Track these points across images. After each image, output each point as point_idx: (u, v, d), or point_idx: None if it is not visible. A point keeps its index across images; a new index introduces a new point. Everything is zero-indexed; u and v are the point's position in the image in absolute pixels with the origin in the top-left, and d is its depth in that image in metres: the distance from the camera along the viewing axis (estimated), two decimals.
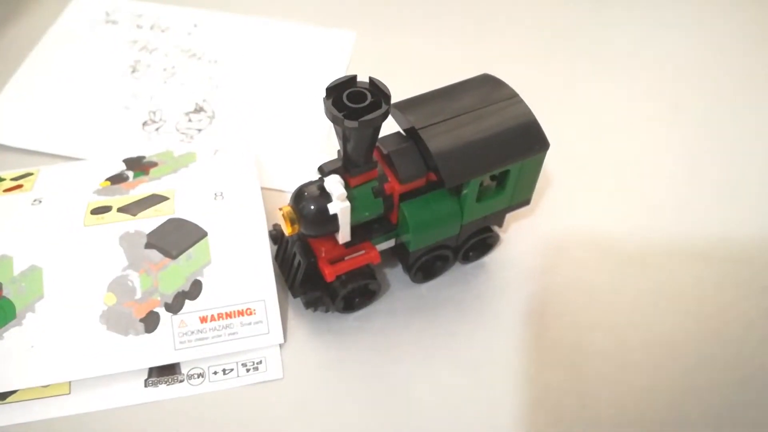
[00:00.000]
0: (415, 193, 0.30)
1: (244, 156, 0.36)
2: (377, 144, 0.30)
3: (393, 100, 0.27)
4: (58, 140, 0.39)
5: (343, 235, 0.29)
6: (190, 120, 0.41)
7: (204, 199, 0.33)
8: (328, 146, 0.39)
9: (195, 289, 0.31)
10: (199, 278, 0.31)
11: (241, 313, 0.31)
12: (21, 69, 0.43)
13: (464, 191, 0.29)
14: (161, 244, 0.31)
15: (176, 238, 0.31)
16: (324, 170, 0.28)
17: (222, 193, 0.33)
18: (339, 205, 0.27)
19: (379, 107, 0.25)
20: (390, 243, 0.32)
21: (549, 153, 0.30)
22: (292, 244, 0.31)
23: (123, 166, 0.36)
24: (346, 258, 0.30)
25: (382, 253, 0.32)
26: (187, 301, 0.30)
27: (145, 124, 0.41)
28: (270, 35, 0.47)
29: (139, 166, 0.36)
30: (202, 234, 0.32)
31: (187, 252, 0.31)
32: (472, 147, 0.28)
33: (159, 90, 0.43)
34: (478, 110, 0.30)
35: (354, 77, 0.26)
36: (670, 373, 0.31)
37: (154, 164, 0.36)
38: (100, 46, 0.45)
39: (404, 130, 0.30)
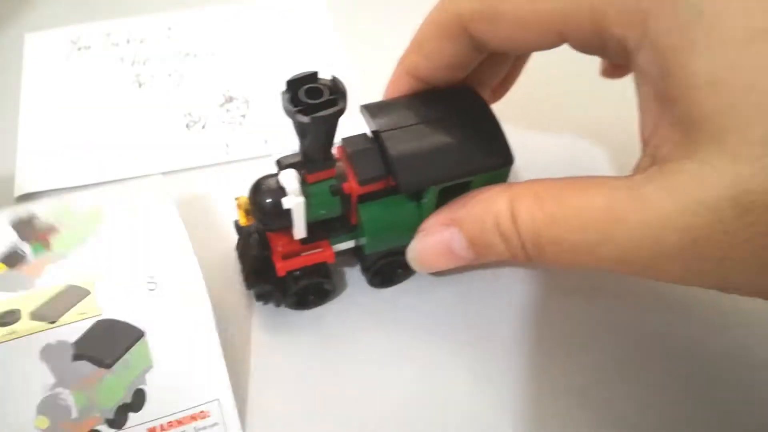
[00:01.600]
0: (377, 196, 0.30)
1: (167, 215, 0.31)
2: (343, 143, 0.30)
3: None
4: (106, 169, 0.38)
5: (298, 231, 0.29)
6: (228, 110, 0.41)
7: (135, 289, 0.28)
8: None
9: (138, 399, 0.27)
10: (141, 386, 0.28)
11: (194, 417, 0.28)
12: (21, 121, 0.41)
13: (424, 199, 0.29)
14: (92, 353, 0.27)
15: (108, 343, 0.27)
16: (281, 164, 0.28)
17: (154, 278, 0.28)
18: (293, 201, 0.27)
19: (337, 104, 0.25)
20: (350, 244, 0.32)
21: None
22: (249, 235, 0.31)
23: (13, 235, 0.30)
24: (301, 254, 0.30)
25: (346, 253, 0.32)
26: (131, 414, 0.27)
27: (188, 126, 0.41)
28: (245, 18, 0.47)
29: (33, 233, 0.30)
30: (138, 335, 0.28)
31: (123, 358, 0.27)
32: (432, 154, 0.28)
33: (177, 94, 0.42)
34: (447, 119, 0.29)
35: (315, 73, 0.26)
36: (669, 375, 0.31)
37: (53, 229, 0.31)
38: (89, 73, 0.44)
39: (371, 132, 0.30)
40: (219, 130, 0.40)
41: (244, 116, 0.41)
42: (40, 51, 0.45)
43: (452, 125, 0.29)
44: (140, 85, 0.43)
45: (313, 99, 0.25)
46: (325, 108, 0.25)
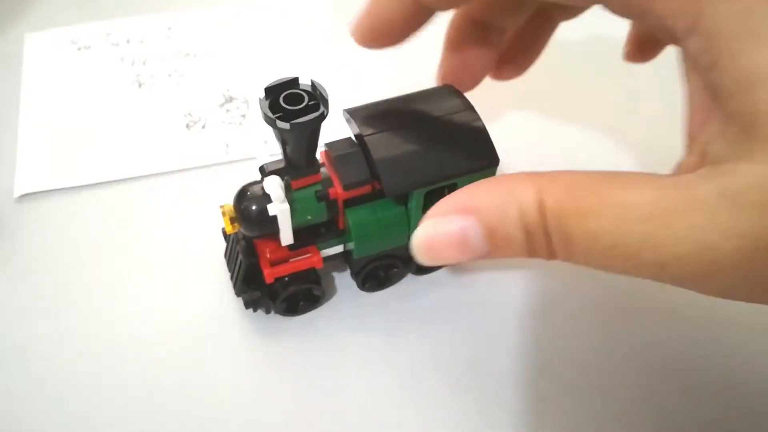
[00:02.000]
0: (364, 200, 0.30)
1: None
2: (327, 147, 0.30)
3: None
4: (106, 168, 0.38)
5: (285, 238, 0.29)
6: (228, 110, 0.41)
7: None
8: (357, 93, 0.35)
9: None
10: None
11: None
12: (21, 120, 0.41)
13: (410, 202, 0.29)
14: None
15: None
16: (265, 170, 0.28)
17: None
18: (278, 207, 0.27)
19: (317, 110, 0.25)
20: (338, 248, 0.31)
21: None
22: (237, 242, 0.30)
23: None
24: (290, 261, 0.30)
25: (335, 258, 0.32)
26: None
27: (188, 126, 0.41)
28: (245, 18, 0.48)
29: None
30: None
31: None
32: (416, 157, 0.28)
33: (177, 94, 0.43)
34: (431, 121, 0.29)
35: (296, 79, 0.26)
36: (669, 383, 0.30)
37: None
38: (89, 73, 0.44)
39: (354, 136, 0.30)
40: (219, 130, 0.41)
41: (244, 116, 0.41)
42: (40, 51, 0.45)
43: (436, 127, 0.29)
44: (140, 85, 0.43)
45: (293, 105, 0.25)
46: (305, 114, 0.25)
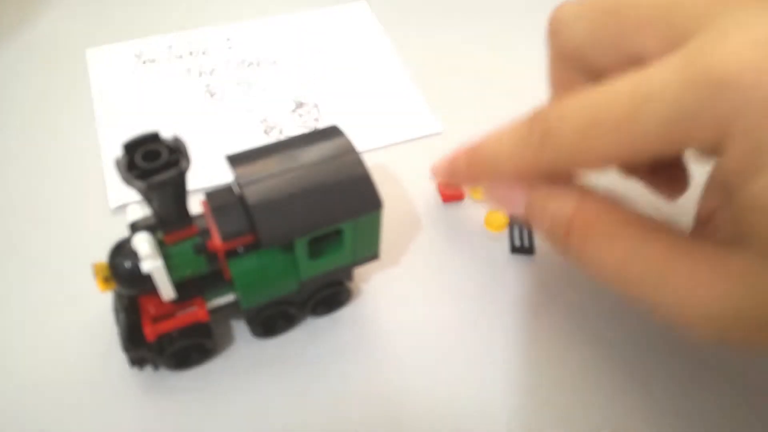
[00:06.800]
0: (250, 248, 0.29)
1: None
2: (206, 197, 0.28)
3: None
4: (199, 176, 0.38)
5: (166, 293, 0.28)
6: (300, 115, 0.42)
7: None
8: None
9: None
10: None
11: None
12: (100, 135, 0.41)
13: (296, 249, 0.28)
14: None
15: None
16: (136, 227, 0.27)
17: None
18: (150, 264, 0.26)
19: (177, 165, 0.24)
20: (229, 298, 0.30)
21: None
22: (119, 297, 0.29)
23: None
24: (176, 315, 0.29)
25: (228, 307, 0.31)
26: None
27: (266, 132, 0.41)
28: (297, 26, 0.49)
29: None
30: None
31: None
32: (296, 204, 0.27)
33: (250, 102, 0.43)
34: (312, 165, 0.28)
35: (156, 134, 0.25)
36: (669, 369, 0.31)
37: None
38: (159, 85, 0.44)
39: (235, 184, 0.29)
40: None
41: (317, 120, 0.42)
42: (104, 65, 0.46)
43: (318, 171, 0.28)
44: (212, 95, 0.44)
45: (151, 162, 0.24)
46: (166, 170, 0.24)
